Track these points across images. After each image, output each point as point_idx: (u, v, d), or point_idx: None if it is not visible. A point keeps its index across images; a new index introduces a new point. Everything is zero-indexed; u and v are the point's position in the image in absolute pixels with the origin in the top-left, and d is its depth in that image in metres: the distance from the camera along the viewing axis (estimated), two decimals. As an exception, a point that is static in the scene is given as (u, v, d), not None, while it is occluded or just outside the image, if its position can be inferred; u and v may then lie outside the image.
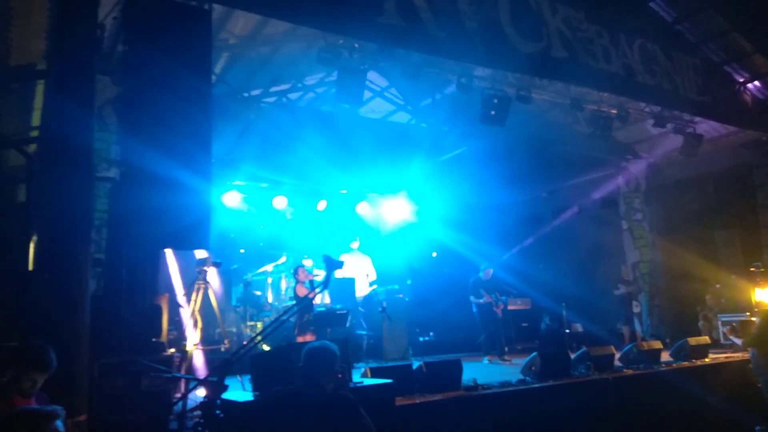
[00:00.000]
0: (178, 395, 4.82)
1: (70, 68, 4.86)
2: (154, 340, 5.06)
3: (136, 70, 5.08)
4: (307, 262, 9.81)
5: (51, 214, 4.63)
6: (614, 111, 9.56)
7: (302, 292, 8.54)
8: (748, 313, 10.14)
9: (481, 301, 9.86)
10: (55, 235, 4.60)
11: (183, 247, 5.11)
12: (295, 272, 8.77)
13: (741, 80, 10.51)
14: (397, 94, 10.75)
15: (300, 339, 7.82)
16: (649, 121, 10.30)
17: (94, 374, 4.47)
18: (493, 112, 8.42)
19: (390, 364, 8.11)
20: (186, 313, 6.19)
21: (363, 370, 6.15)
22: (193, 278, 6.33)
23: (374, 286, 10.49)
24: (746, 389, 8.11)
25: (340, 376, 4.46)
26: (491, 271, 10.18)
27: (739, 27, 9.66)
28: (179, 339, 6.21)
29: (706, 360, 8.65)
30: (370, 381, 5.47)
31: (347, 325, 8.46)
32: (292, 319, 8.43)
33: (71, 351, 4.40)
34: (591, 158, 12.22)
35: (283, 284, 10.60)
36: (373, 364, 7.51)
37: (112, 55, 6.99)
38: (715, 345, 10.12)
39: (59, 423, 2.43)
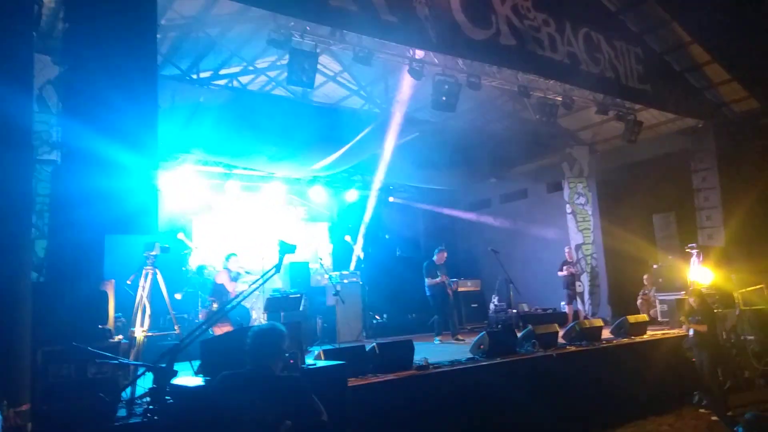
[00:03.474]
0: (127, 382, 4.75)
1: (6, 46, 4.64)
2: (100, 326, 4.94)
3: (78, 49, 4.89)
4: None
5: (-12, 199, 4.45)
6: (560, 98, 9.83)
7: (222, 279, 8.53)
8: (683, 292, 10.69)
9: (436, 281, 10.03)
10: (-8, 220, 4.42)
11: (130, 231, 4.97)
12: (227, 260, 8.77)
13: (679, 69, 10.98)
14: (350, 78, 10.72)
15: (216, 330, 7.59)
16: (592, 108, 10.64)
17: (38, 362, 4.35)
18: (444, 98, 8.53)
19: (343, 345, 8.18)
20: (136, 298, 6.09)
21: (316, 352, 6.20)
22: (141, 263, 6.21)
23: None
24: (681, 363, 8.61)
25: (291, 362, 4.48)
26: (445, 254, 10.36)
27: (678, 18, 10.06)
28: (127, 326, 6.10)
29: (645, 336, 9.06)
30: (322, 363, 5.52)
31: (301, 308, 8.48)
32: (246, 303, 8.42)
33: (11, 339, 4.28)
34: (538, 144, 12.55)
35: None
36: (327, 347, 7.57)
37: (52, 33, 6.71)
38: (653, 322, 10.63)
39: None
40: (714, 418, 7.53)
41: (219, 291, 8.53)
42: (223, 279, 8.55)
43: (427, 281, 10.13)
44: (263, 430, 3.08)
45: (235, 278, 8.71)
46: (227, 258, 8.89)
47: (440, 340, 9.84)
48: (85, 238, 4.80)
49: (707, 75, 10.96)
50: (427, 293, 10.20)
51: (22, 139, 4.57)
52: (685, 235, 11.60)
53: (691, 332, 8.10)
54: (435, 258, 10.29)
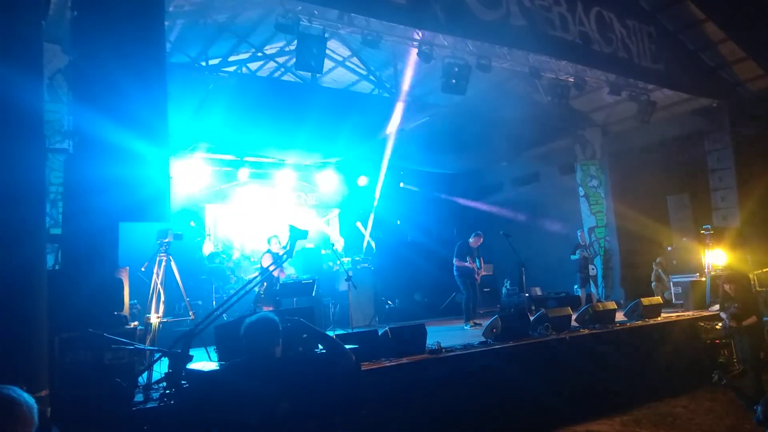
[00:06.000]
0: (143, 368, 4.81)
1: (16, 36, 4.64)
2: (116, 313, 5.00)
3: (87, 37, 4.90)
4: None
5: (2, 189, 4.48)
6: (571, 79, 9.69)
7: (267, 262, 8.57)
8: (698, 274, 10.61)
9: (464, 264, 9.91)
10: (6, 209, 4.46)
11: (142, 219, 5.01)
12: (269, 241, 8.82)
13: (693, 48, 10.78)
14: (359, 63, 10.65)
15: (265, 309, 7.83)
16: (604, 89, 10.49)
17: (55, 349, 4.41)
18: (454, 81, 8.45)
19: (356, 330, 8.22)
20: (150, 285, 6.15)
21: (329, 337, 6.22)
22: (155, 251, 6.27)
23: None
24: (695, 345, 8.56)
25: (305, 336, 4.48)
26: (481, 239, 10.28)
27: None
28: (142, 312, 6.17)
29: (659, 319, 9.00)
30: (335, 347, 5.53)
31: (313, 294, 8.52)
32: (256, 289, 8.44)
33: (28, 326, 4.33)
34: (549, 127, 12.40)
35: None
36: (340, 332, 7.61)
37: (62, 22, 6.72)
38: (667, 305, 10.57)
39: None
40: (733, 397, 7.40)
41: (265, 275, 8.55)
42: (267, 263, 8.60)
43: (455, 261, 10.01)
44: (263, 415, 3.12)
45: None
46: (269, 241, 8.96)
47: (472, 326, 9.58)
48: (99, 226, 4.84)
49: (722, 53, 10.77)
50: (455, 273, 10.07)
51: (33, 128, 4.58)
52: (700, 217, 11.49)
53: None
54: (471, 240, 10.19)
